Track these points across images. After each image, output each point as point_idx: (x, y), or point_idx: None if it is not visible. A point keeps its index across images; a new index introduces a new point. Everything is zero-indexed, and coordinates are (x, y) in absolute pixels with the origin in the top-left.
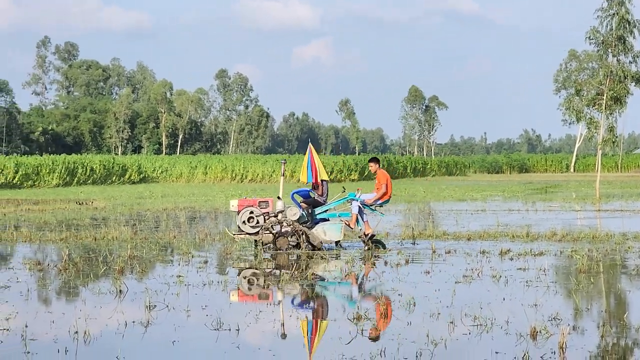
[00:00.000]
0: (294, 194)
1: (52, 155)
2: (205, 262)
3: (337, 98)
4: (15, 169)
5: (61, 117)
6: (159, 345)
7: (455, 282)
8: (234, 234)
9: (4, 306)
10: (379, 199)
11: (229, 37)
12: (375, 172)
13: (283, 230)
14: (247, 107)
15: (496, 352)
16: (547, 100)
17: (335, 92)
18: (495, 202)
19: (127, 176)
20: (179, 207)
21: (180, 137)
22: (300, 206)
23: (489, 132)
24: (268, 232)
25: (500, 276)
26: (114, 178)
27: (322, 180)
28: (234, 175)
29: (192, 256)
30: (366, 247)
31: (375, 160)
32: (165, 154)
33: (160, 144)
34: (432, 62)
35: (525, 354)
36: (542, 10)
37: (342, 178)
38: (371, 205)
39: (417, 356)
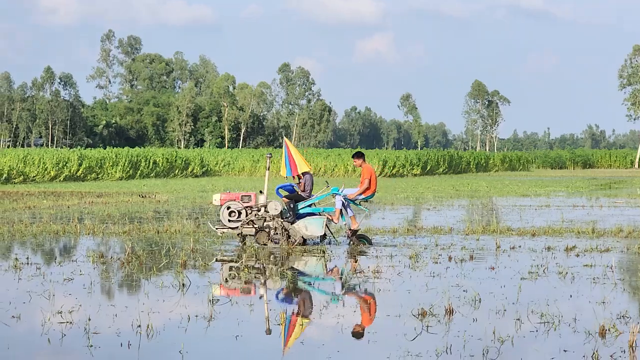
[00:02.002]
0: (278, 188)
1: (115, 148)
2: (268, 256)
3: (399, 92)
4: (79, 161)
5: (124, 111)
6: (222, 340)
7: (521, 279)
8: (216, 228)
9: (68, 299)
10: (361, 193)
11: (291, 31)
12: (360, 166)
13: (264, 224)
14: (309, 101)
15: (564, 350)
16: (611, 96)
17: (397, 87)
18: (559, 197)
19: (189, 169)
20: None
21: (243, 130)
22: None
23: (552, 127)
24: (249, 226)
25: (567, 273)
26: (177, 171)
27: (303, 173)
28: None
29: (255, 250)
30: (350, 242)
31: (359, 155)
32: (228, 147)
33: (223, 137)
34: (494, 57)
35: (594, 353)
36: (607, 5)
37: (405, 173)
38: (355, 200)
39: (483, 353)
